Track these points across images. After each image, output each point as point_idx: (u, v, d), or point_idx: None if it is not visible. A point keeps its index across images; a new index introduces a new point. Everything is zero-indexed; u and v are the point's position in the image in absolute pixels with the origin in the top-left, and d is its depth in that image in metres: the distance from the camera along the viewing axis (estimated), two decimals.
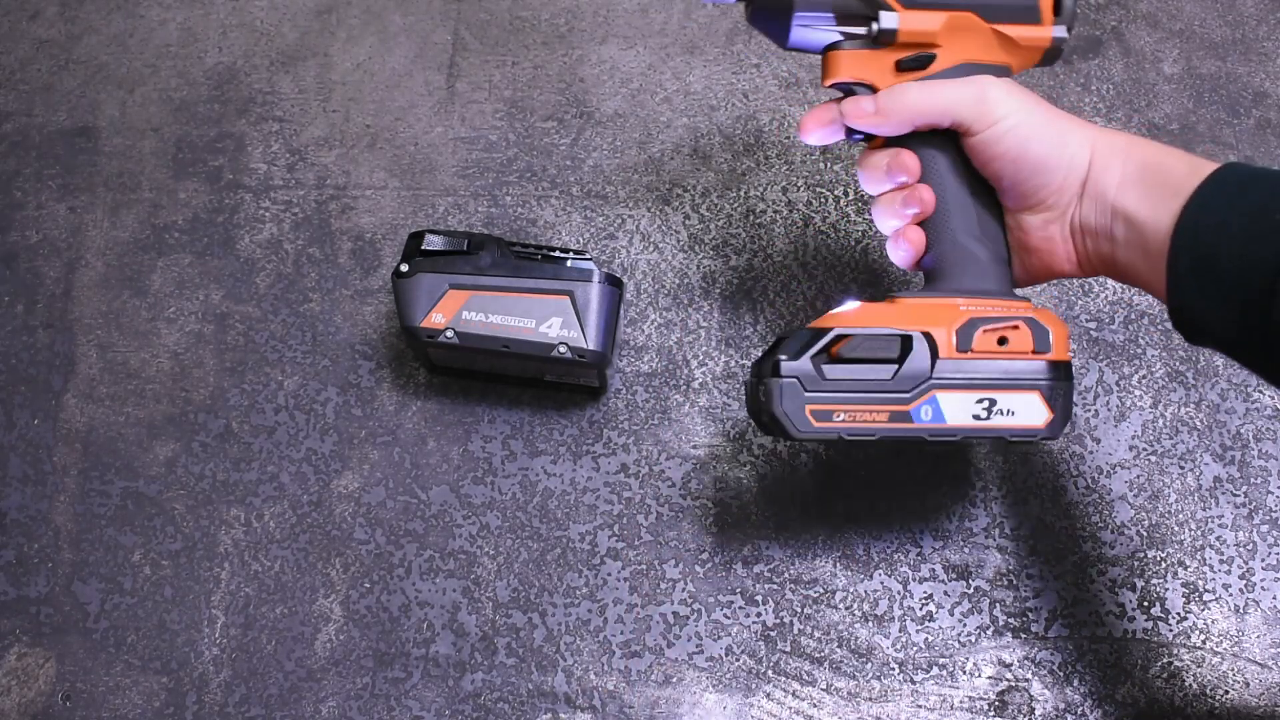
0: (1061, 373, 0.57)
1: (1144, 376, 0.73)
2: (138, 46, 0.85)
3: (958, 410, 0.56)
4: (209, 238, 0.79)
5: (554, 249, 0.69)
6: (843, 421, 0.56)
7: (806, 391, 0.56)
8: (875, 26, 0.56)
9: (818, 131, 0.59)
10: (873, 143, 0.59)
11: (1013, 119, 0.54)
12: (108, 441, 0.74)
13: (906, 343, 0.56)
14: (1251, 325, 0.47)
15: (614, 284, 0.68)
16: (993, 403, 0.56)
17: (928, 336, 0.56)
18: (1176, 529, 0.70)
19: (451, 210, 0.79)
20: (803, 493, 0.71)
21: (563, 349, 0.66)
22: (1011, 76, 0.57)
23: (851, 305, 0.58)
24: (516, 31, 0.84)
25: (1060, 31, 0.57)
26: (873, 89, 0.57)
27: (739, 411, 0.73)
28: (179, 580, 0.71)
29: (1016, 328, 0.56)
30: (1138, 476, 0.71)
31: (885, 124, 0.57)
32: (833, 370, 0.56)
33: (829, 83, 0.59)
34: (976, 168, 0.56)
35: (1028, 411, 0.56)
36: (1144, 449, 0.71)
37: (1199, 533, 0.70)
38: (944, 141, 0.57)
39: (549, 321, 0.67)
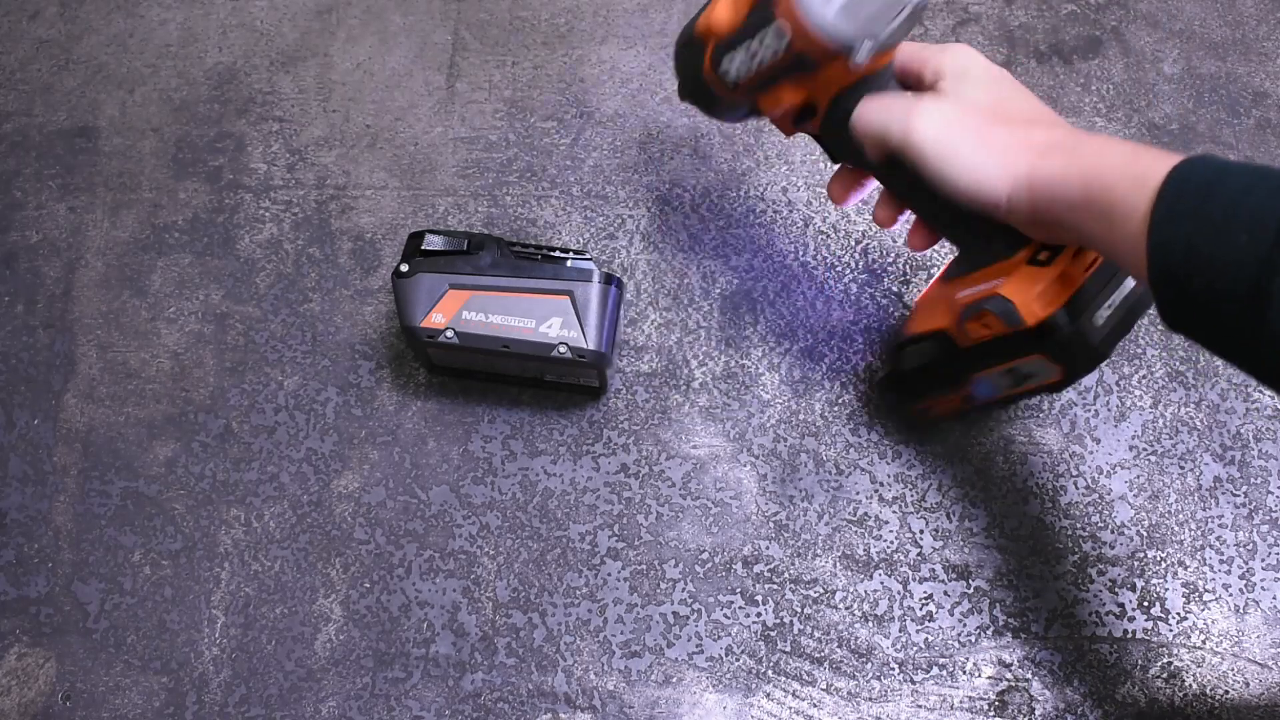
0: (1046, 331, 0.58)
1: (1144, 376, 0.73)
2: (138, 46, 0.85)
3: (1000, 382, 0.63)
4: (209, 238, 0.79)
5: (554, 249, 0.69)
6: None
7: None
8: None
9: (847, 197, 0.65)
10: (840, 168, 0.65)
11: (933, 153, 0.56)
12: (108, 441, 0.74)
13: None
14: (1243, 339, 0.45)
15: (614, 284, 0.68)
16: (1015, 369, 0.61)
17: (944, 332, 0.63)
18: (1176, 529, 0.70)
19: (451, 210, 0.79)
20: (803, 492, 0.71)
21: (563, 349, 0.66)
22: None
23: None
24: (516, 31, 0.84)
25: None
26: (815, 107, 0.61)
27: (739, 411, 0.73)
28: (179, 580, 0.71)
29: (987, 314, 0.59)
30: (1138, 476, 0.71)
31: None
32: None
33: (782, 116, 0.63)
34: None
35: (1043, 370, 0.60)
36: (1144, 449, 0.71)
37: (1199, 533, 0.70)
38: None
39: (549, 321, 0.67)
